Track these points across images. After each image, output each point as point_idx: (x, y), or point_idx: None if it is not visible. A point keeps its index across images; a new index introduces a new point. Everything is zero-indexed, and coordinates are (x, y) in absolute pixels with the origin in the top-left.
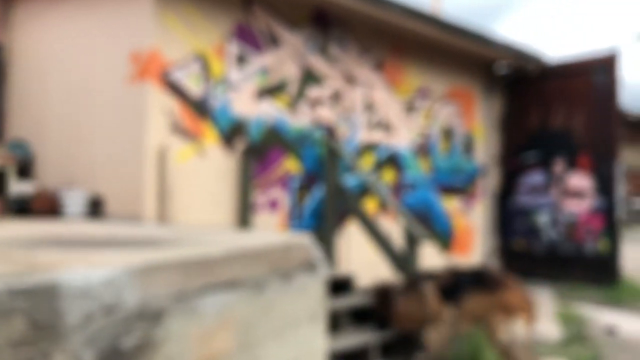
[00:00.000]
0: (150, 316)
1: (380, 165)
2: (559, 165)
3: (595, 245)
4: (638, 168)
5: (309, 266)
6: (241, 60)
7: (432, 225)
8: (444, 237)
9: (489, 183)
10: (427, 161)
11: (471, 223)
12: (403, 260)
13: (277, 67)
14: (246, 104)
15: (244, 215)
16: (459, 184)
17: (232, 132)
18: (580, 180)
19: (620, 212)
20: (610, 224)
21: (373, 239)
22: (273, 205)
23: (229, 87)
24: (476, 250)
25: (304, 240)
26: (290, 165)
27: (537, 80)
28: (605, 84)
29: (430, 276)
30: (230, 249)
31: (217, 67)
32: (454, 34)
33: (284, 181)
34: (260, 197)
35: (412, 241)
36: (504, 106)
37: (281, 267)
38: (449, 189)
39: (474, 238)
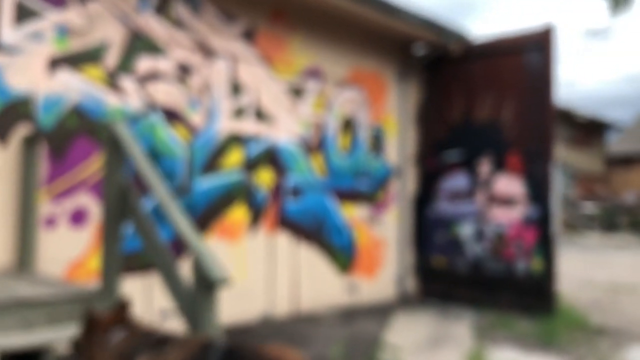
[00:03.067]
0: None
1: (252, 164)
2: (484, 166)
3: (528, 264)
4: (586, 171)
5: None
6: (24, 13)
7: (326, 239)
8: (344, 254)
9: (404, 188)
10: (319, 160)
11: (380, 236)
12: (191, 311)
13: (87, 27)
14: (32, 75)
15: (24, 234)
16: (363, 189)
17: (5, 113)
18: (510, 185)
19: (556, 224)
20: (544, 238)
21: (158, 272)
22: (77, 217)
23: (0, 51)
24: (387, 268)
25: None
26: None
27: (460, 62)
28: (538, 65)
29: (160, 346)
30: None
31: None
32: None
33: (98, 183)
34: (55, 207)
35: (205, 286)
36: (422, 94)
37: None
38: (351, 195)
39: (384, 254)
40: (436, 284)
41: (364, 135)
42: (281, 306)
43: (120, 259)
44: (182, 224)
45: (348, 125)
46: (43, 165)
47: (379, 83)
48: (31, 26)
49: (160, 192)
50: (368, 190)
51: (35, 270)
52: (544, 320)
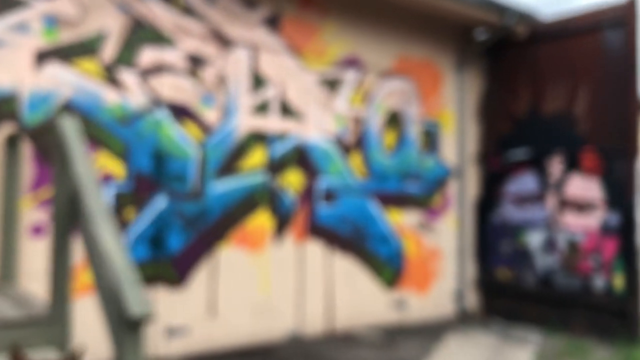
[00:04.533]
0: None
1: (277, 165)
2: (555, 166)
3: (607, 280)
4: None
5: None
6: (7, 3)
7: (367, 249)
8: (389, 266)
9: (464, 190)
10: (358, 159)
11: (434, 245)
12: (116, 351)
13: (80, 16)
14: (16, 70)
15: (6, 245)
16: (413, 192)
17: None
18: (585, 187)
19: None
20: (627, 250)
21: (98, 297)
22: None
23: None
24: (443, 282)
25: None
26: (107, 163)
27: (526, 46)
28: (619, 45)
29: None
30: None
31: None
32: None
33: None
34: (43, 214)
35: (123, 323)
36: (483, 84)
37: None
38: (398, 199)
39: (438, 266)
40: (500, 301)
41: (414, 131)
42: (313, 324)
43: (71, 276)
44: (109, 241)
45: (394, 120)
46: (28, 168)
47: (432, 73)
48: (15, 17)
49: (92, 200)
50: (419, 194)
51: (15, 285)
52: (626, 348)
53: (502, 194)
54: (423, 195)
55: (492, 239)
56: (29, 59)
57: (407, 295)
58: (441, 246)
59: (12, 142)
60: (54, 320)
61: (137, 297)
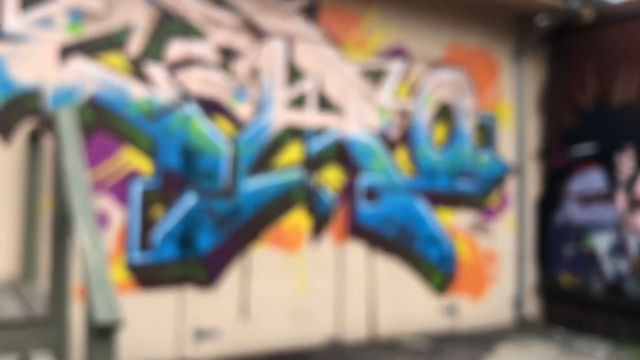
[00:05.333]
0: None
1: (314, 162)
2: (626, 162)
3: None
4: None
5: None
6: None
7: (414, 251)
8: (439, 270)
9: (524, 189)
10: (404, 155)
11: (490, 248)
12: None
13: (105, 10)
14: (40, 66)
15: (28, 242)
16: (467, 190)
17: (9, 108)
18: None
19: None
20: None
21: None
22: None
23: (2, 40)
24: (500, 287)
25: None
26: (133, 159)
27: (593, 30)
28: None
29: None
30: None
31: None
32: None
33: (120, 184)
34: None
35: (91, 328)
36: (545, 73)
37: None
38: (449, 198)
39: (495, 270)
40: (563, 309)
41: (468, 125)
42: (354, 329)
43: (70, 277)
44: (86, 238)
45: (445, 113)
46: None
47: (487, 62)
48: (39, 11)
49: (76, 195)
50: (474, 193)
51: (34, 284)
52: None
53: (566, 193)
54: (478, 194)
55: (554, 241)
56: (53, 53)
57: (459, 300)
58: (498, 249)
59: (35, 138)
60: (52, 322)
61: (106, 301)
